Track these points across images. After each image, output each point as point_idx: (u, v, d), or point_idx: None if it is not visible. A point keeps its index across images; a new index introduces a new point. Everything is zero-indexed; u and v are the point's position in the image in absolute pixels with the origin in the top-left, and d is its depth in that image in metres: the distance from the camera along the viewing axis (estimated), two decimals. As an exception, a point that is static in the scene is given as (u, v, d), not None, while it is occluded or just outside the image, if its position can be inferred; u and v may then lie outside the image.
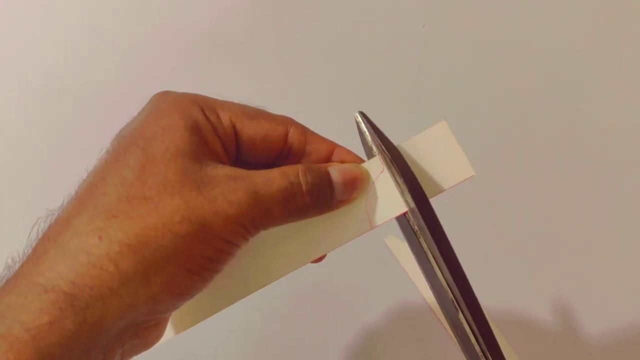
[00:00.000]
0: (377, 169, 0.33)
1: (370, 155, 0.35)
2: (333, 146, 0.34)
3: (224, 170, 0.29)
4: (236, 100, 0.34)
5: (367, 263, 0.59)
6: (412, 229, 0.31)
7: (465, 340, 0.31)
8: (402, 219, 0.34)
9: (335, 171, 0.32)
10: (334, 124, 0.49)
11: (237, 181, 0.28)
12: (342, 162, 0.34)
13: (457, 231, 0.57)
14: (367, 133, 0.33)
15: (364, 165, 0.34)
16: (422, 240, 0.30)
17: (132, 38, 0.72)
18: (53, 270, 0.26)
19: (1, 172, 0.67)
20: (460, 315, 0.30)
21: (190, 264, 0.27)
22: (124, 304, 0.26)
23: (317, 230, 0.33)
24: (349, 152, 0.34)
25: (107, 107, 0.68)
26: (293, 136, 0.33)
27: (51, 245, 0.27)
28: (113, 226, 0.26)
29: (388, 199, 0.33)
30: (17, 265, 0.27)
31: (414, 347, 0.56)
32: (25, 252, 0.28)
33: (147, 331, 0.29)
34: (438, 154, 0.33)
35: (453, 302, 0.30)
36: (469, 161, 0.33)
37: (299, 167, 0.30)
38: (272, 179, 0.29)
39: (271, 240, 0.33)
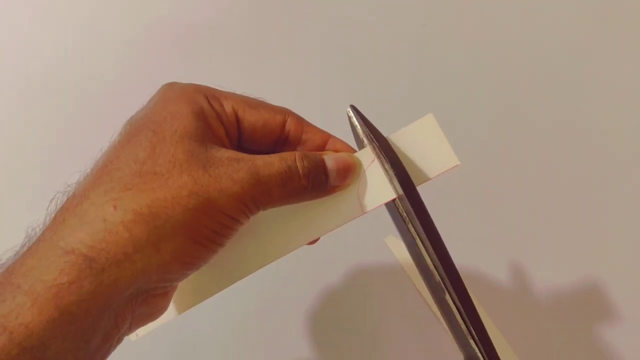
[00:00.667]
0: (369, 159, 0.37)
1: (361, 146, 0.38)
2: (327, 136, 0.38)
3: (227, 153, 0.32)
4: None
5: (367, 263, 0.61)
6: (401, 216, 0.34)
7: (452, 319, 0.34)
8: (392, 208, 0.37)
9: (330, 159, 0.35)
10: (334, 123, 0.51)
11: (239, 162, 0.32)
12: (336, 151, 0.37)
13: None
14: (358, 126, 0.37)
15: (356, 154, 0.37)
16: (410, 226, 0.33)
17: (130, 36, 0.74)
18: (72, 236, 0.29)
19: (1, 172, 0.70)
20: (447, 296, 0.33)
21: (196, 235, 0.30)
22: (136, 268, 0.29)
23: (312, 214, 0.36)
24: (343, 142, 0.38)
25: (106, 105, 0.70)
26: (290, 125, 0.37)
27: (70, 214, 0.30)
28: (127, 197, 0.30)
29: (378, 186, 0.36)
30: (38, 234, 0.30)
31: (413, 346, 0.58)
32: (45, 221, 0.31)
33: (155, 299, 0.32)
34: (425, 145, 0.36)
35: (440, 283, 0.33)
36: (453, 151, 0.36)
37: (296, 153, 0.34)
38: (272, 162, 0.33)
39: (270, 222, 0.36)
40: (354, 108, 0.37)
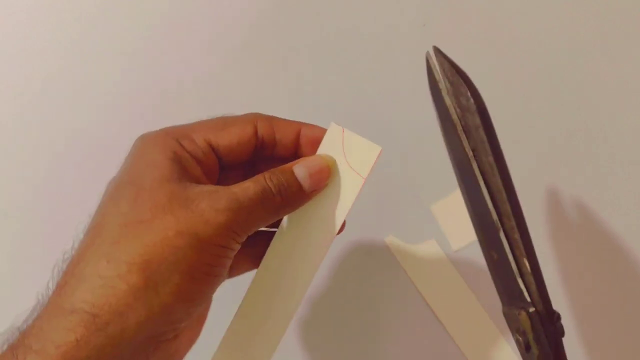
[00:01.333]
0: (338, 132, 0.40)
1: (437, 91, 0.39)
2: (299, 126, 0.40)
3: (206, 187, 0.34)
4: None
5: (367, 263, 0.61)
6: (464, 149, 0.36)
7: (501, 263, 0.36)
8: (450, 132, 0.38)
9: (300, 168, 0.38)
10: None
11: (219, 193, 0.34)
12: (310, 139, 0.40)
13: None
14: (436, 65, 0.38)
15: (324, 139, 0.40)
16: (472, 161, 0.35)
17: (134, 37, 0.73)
18: (74, 296, 0.31)
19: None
20: (501, 234, 0.34)
21: (192, 271, 0.32)
22: (140, 316, 0.31)
23: (323, 212, 0.39)
24: (314, 127, 0.41)
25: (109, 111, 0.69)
26: (261, 130, 0.39)
27: (69, 277, 0.32)
28: (118, 250, 0.32)
29: (361, 150, 0.39)
30: (46, 299, 0.33)
31: (412, 347, 0.59)
32: (49, 286, 0.34)
33: (167, 344, 0.33)
34: None
35: (496, 222, 0.34)
36: None
37: (265, 173, 0.37)
38: (248, 187, 0.35)
39: (289, 250, 0.40)
40: (436, 49, 0.39)
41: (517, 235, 0.33)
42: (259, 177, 0.36)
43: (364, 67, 0.72)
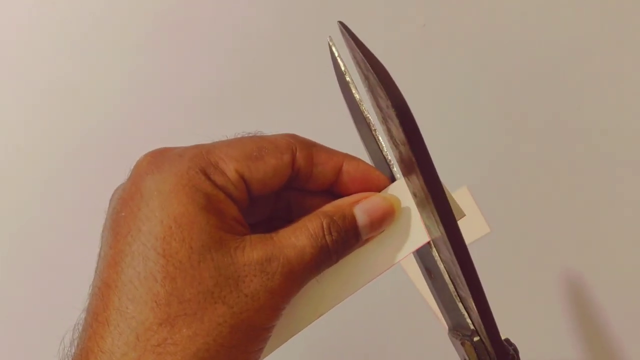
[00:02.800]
0: (404, 189, 0.33)
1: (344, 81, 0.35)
2: (341, 160, 0.33)
3: (254, 252, 0.28)
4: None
5: None
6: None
7: (439, 283, 0.32)
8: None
9: (362, 213, 0.32)
10: (330, 126, 0.51)
11: (272, 263, 0.28)
12: (352, 178, 0.33)
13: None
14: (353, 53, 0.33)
15: (391, 188, 0.33)
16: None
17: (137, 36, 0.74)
18: None
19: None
20: (434, 251, 0.31)
21: None
22: None
23: (365, 255, 0.33)
24: (358, 161, 0.34)
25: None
26: (300, 161, 0.32)
27: None
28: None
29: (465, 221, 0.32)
30: None
31: (412, 346, 0.59)
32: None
33: None
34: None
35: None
36: (484, 220, 0.34)
37: (323, 223, 0.30)
38: (303, 248, 0.29)
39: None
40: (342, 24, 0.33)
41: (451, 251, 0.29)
42: (317, 229, 0.30)
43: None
